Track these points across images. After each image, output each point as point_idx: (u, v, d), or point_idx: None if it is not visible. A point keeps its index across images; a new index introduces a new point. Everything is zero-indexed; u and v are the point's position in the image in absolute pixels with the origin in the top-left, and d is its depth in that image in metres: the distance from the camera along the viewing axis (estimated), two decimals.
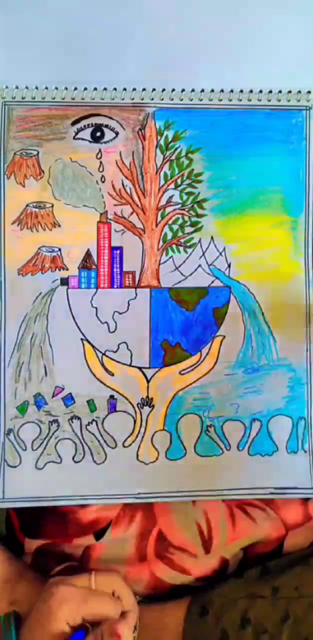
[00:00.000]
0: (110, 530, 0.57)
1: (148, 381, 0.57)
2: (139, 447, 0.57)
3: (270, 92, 0.57)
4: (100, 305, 0.57)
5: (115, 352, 0.57)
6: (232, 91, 0.57)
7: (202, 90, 0.57)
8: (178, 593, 0.57)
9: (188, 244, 0.57)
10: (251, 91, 0.57)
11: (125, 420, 0.57)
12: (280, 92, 0.57)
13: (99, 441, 0.57)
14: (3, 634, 0.49)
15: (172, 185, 0.57)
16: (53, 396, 0.56)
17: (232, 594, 0.54)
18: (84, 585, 0.50)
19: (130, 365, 0.57)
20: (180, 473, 0.57)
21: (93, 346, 0.57)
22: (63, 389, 0.57)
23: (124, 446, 0.57)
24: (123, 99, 0.56)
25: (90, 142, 0.56)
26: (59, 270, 0.56)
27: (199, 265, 0.57)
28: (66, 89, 0.56)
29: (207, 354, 0.58)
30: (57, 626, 0.47)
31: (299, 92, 0.57)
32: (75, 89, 0.56)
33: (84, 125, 0.56)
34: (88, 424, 0.57)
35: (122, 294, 0.57)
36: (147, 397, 0.57)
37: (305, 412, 0.58)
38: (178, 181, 0.57)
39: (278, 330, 0.58)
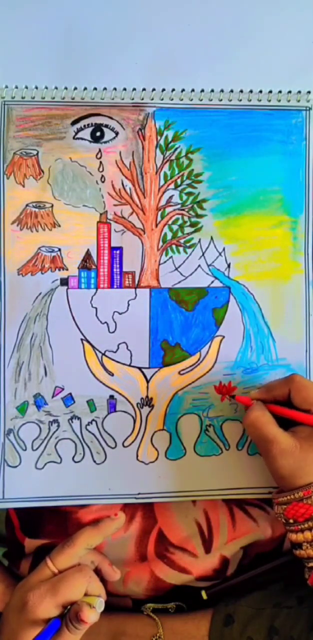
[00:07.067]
0: None
1: (148, 381, 0.57)
2: (139, 447, 0.57)
3: (270, 92, 0.57)
4: (100, 306, 0.57)
5: (115, 352, 0.57)
6: (232, 91, 0.57)
7: (202, 90, 0.57)
8: (179, 593, 0.58)
9: (188, 244, 0.57)
10: (251, 91, 0.57)
11: (125, 420, 0.57)
12: (280, 92, 0.57)
13: (98, 441, 0.57)
14: None
15: (172, 186, 0.57)
16: (53, 396, 0.56)
17: (257, 604, 0.55)
18: (48, 576, 0.51)
19: (129, 365, 0.57)
20: (180, 473, 0.57)
21: (93, 346, 0.57)
22: (63, 389, 0.57)
23: (123, 446, 0.57)
24: (123, 99, 0.56)
25: (90, 142, 0.56)
26: (59, 270, 0.56)
27: (199, 266, 0.57)
28: (66, 89, 0.56)
29: (207, 354, 0.58)
30: (37, 630, 0.48)
31: (299, 92, 0.57)
32: (75, 89, 0.56)
33: (84, 125, 0.56)
34: (88, 424, 0.57)
35: (122, 294, 0.57)
36: (147, 397, 0.57)
37: None
38: (178, 181, 0.57)
39: (278, 330, 0.58)
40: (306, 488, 0.49)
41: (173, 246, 0.57)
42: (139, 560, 0.57)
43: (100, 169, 0.56)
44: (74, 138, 0.56)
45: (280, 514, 0.52)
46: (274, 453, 0.50)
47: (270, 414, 0.53)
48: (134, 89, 0.56)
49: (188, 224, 0.57)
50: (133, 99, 0.56)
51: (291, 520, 0.51)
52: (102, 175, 0.56)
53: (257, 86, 0.57)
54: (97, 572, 0.54)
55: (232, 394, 0.57)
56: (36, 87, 0.55)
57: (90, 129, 0.56)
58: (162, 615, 0.56)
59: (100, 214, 0.57)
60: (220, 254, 0.58)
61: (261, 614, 0.54)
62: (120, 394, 0.57)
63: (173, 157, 0.57)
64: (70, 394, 0.57)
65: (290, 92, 0.57)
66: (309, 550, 0.50)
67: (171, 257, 0.57)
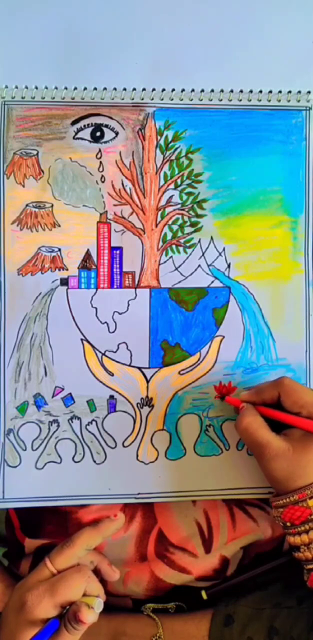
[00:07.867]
0: None
1: (148, 381, 0.57)
2: (139, 447, 0.57)
3: (270, 92, 0.57)
4: (100, 306, 0.57)
5: (115, 352, 0.57)
6: (232, 91, 0.57)
7: (202, 90, 0.57)
8: (179, 593, 0.58)
9: (188, 244, 0.57)
10: (251, 91, 0.57)
11: (125, 420, 0.57)
12: (280, 92, 0.57)
13: (98, 441, 0.57)
14: None
15: (172, 186, 0.57)
16: (53, 396, 0.56)
17: (257, 604, 0.55)
18: (47, 576, 0.51)
19: (129, 365, 0.57)
20: (180, 473, 0.57)
21: (93, 346, 0.57)
22: (63, 389, 0.57)
23: (123, 446, 0.57)
24: (123, 99, 0.56)
25: (90, 142, 0.56)
26: (59, 270, 0.56)
27: (199, 266, 0.57)
28: (66, 88, 0.56)
29: (207, 354, 0.58)
30: (35, 630, 0.48)
31: (299, 92, 0.57)
32: (75, 89, 0.56)
33: (84, 125, 0.56)
34: (88, 424, 0.57)
35: (122, 294, 0.57)
36: (147, 397, 0.57)
37: None
38: (178, 181, 0.57)
39: (278, 330, 0.58)
40: (301, 491, 0.49)
41: (174, 246, 0.57)
42: (139, 560, 0.57)
43: (100, 169, 0.56)
44: (74, 138, 0.56)
45: (278, 517, 0.52)
46: (267, 457, 0.50)
47: (262, 418, 0.52)
48: (134, 89, 0.56)
49: (188, 224, 0.57)
50: (133, 99, 0.56)
51: (288, 524, 0.51)
52: (102, 175, 0.56)
53: (257, 86, 0.57)
54: (97, 572, 0.54)
55: (227, 394, 0.57)
56: (36, 87, 0.55)
57: (90, 129, 0.56)
58: (162, 615, 0.56)
59: (100, 214, 0.57)
60: (220, 254, 0.58)
61: (261, 614, 0.54)
62: (120, 394, 0.57)
63: (173, 157, 0.57)
64: (70, 394, 0.57)
65: (290, 92, 0.57)
66: (307, 553, 0.50)
67: (171, 257, 0.57)
